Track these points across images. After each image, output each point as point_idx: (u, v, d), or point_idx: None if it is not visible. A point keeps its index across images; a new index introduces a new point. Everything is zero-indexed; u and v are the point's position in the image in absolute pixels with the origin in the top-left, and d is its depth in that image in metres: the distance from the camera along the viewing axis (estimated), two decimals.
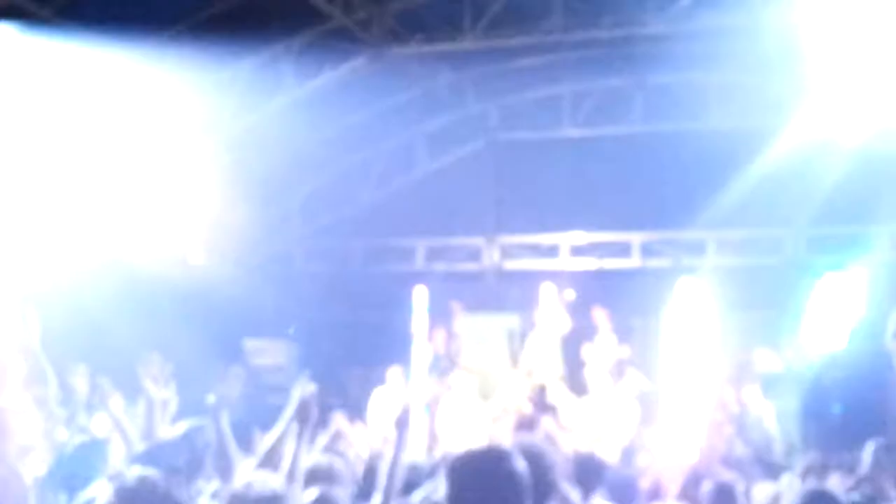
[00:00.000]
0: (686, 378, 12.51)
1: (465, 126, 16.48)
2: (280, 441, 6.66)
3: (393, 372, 12.82)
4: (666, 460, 8.01)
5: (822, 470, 7.74)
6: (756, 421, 11.08)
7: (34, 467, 5.72)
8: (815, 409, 10.89)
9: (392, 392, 12.64)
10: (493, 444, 3.90)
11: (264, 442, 6.48)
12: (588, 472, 6.27)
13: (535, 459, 3.89)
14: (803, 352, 12.54)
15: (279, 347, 14.01)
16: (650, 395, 12.04)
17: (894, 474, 6.78)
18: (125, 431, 6.56)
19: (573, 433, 11.14)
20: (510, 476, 3.15)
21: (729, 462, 9.21)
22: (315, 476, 5.19)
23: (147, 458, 5.29)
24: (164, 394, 6.47)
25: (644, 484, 7.27)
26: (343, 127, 15.29)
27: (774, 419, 11.37)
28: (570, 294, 13.26)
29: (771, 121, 15.01)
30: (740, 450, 10.00)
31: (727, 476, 7.49)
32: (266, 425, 7.07)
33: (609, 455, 8.86)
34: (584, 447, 10.17)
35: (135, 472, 3.70)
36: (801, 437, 11.26)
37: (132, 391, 7.63)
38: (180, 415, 6.55)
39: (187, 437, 5.76)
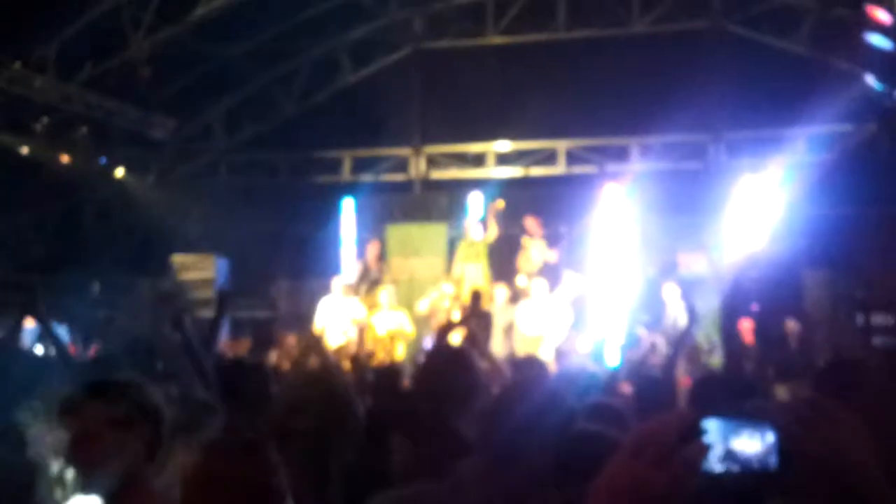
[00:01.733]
0: (612, 282, 12.75)
1: (390, 35, 16.31)
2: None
3: (338, 281, 12.78)
4: None
5: None
6: (672, 319, 11.36)
7: None
8: (734, 308, 11.21)
9: (338, 301, 12.65)
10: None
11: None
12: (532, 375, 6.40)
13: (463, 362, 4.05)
14: (725, 253, 12.86)
15: (207, 262, 13.93)
16: (581, 299, 12.25)
17: None
18: (63, 346, 6.51)
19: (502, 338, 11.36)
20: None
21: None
22: None
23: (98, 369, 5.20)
24: None
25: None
26: (265, 38, 15.05)
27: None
28: (501, 204, 13.32)
29: (692, 25, 15.19)
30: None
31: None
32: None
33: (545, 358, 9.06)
34: (520, 352, 10.42)
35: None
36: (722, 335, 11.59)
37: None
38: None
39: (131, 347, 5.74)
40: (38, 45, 12.68)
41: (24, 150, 12.69)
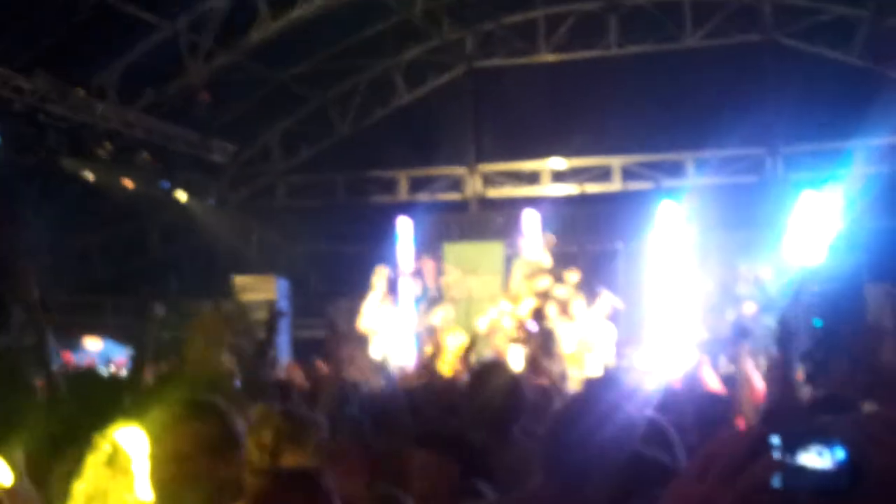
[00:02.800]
0: (671, 298, 12.68)
1: (443, 55, 16.44)
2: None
3: (379, 273, 12.87)
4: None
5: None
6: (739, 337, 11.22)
7: None
8: (793, 324, 11.08)
9: (378, 293, 12.75)
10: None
11: None
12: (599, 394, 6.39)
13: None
14: (784, 268, 12.73)
15: (268, 283, 14.11)
16: (624, 314, 12.20)
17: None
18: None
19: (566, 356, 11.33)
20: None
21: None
22: None
23: None
24: None
25: None
26: (320, 61, 15.25)
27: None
28: (551, 239, 13.17)
29: (746, 38, 15.11)
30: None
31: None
32: None
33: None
34: (584, 370, 10.42)
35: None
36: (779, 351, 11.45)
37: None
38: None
39: None
40: (99, 72, 12.97)
41: (89, 175, 12.96)
